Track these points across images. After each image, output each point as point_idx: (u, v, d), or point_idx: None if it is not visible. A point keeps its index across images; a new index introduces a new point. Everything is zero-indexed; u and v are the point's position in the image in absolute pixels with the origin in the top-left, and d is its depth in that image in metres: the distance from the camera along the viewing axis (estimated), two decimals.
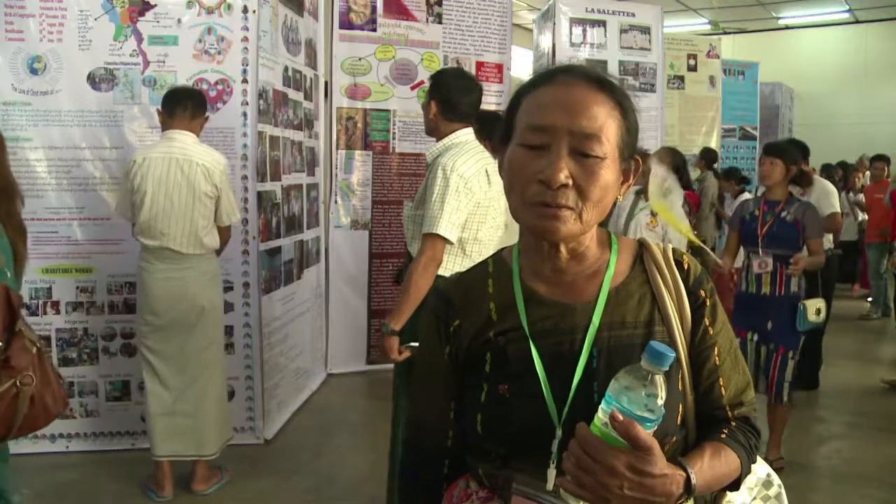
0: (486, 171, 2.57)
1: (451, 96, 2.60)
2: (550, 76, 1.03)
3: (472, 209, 2.50)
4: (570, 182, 0.96)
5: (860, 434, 4.21)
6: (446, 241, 2.43)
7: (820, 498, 3.42)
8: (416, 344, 1.94)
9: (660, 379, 0.87)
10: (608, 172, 0.97)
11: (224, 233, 3.36)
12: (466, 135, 2.63)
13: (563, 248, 1.04)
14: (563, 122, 0.96)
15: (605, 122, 0.97)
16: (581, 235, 1.02)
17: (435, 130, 2.66)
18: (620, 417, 0.85)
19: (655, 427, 0.88)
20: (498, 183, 2.52)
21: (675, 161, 4.32)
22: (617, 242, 1.09)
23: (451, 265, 2.51)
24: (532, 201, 0.98)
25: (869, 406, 4.77)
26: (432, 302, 1.14)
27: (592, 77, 1.01)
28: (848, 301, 8.22)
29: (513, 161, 1.01)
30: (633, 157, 1.03)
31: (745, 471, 1.04)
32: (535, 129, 0.98)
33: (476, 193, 2.51)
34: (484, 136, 3.06)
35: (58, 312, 3.72)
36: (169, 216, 3.15)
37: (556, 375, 1.00)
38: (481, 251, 2.56)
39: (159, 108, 3.30)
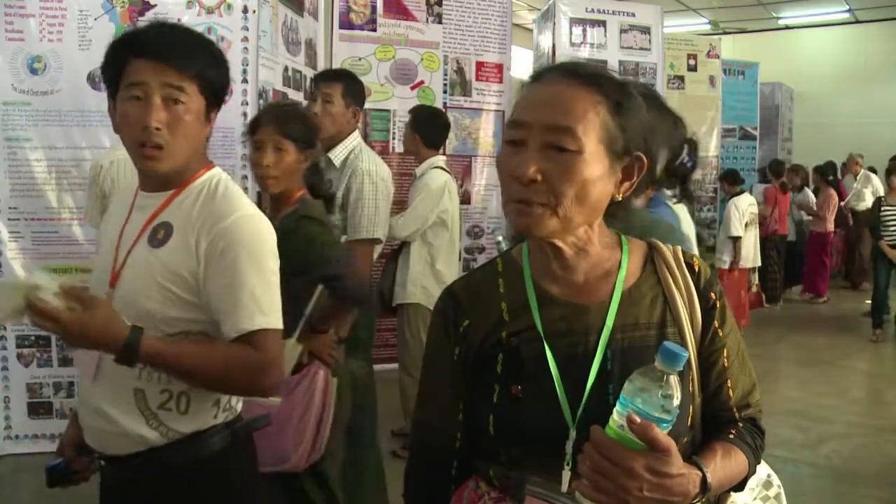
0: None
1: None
2: (538, 75, 1.03)
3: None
4: (540, 177, 0.95)
5: (860, 433, 4.20)
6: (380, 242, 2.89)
7: (820, 498, 3.42)
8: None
9: (674, 379, 0.86)
10: (587, 168, 0.95)
11: None
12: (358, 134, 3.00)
13: (563, 245, 1.02)
14: (535, 118, 0.96)
15: (582, 115, 0.95)
16: (564, 232, 1.00)
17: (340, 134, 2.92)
18: (638, 420, 0.84)
19: (671, 427, 0.88)
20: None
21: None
22: (627, 243, 1.09)
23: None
24: (511, 198, 0.98)
25: (869, 405, 4.77)
26: (440, 303, 1.12)
27: (578, 72, 0.99)
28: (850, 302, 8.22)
29: (498, 158, 1.02)
30: (630, 153, 1.00)
31: (752, 471, 1.05)
32: (513, 126, 0.99)
33: (391, 192, 2.95)
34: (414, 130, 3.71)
35: None
36: None
37: (569, 376, 0.99)
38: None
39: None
